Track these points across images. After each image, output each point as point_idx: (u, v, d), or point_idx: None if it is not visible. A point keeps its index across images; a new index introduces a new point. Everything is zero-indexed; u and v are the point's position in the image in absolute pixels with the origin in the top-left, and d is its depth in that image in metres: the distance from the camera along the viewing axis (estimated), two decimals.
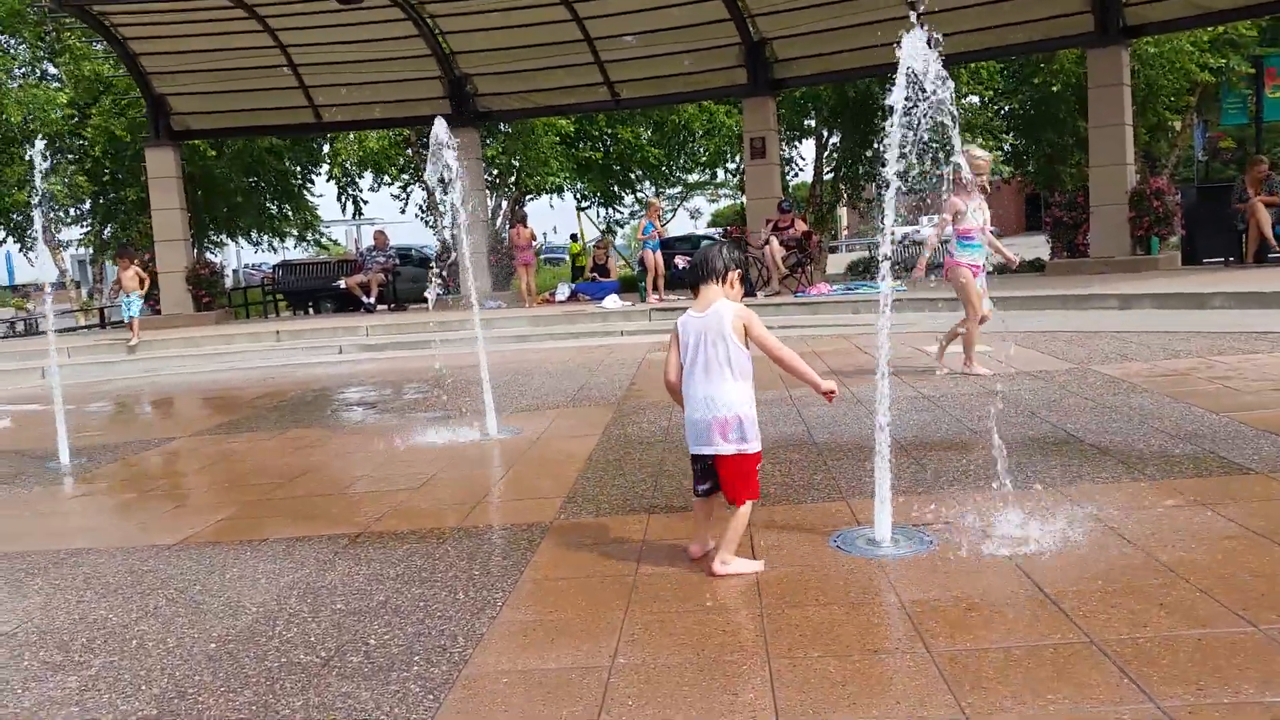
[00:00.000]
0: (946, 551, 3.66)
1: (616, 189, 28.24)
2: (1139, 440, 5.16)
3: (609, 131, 25.70)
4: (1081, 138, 17.53)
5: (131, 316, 14.83)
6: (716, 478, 3.65)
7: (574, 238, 28.60)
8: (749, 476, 3.62)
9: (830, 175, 22.90)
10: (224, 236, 26.02)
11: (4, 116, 20.17)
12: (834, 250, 33.91)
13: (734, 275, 3.72)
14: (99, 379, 12.72)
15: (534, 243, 18.01)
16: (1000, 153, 21.15)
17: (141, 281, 15.03)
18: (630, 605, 3.35)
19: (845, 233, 52.97)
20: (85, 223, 23.89)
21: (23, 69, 22.73)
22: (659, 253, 16.02)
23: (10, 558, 4.52)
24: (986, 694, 2.54)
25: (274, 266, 24.04)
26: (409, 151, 25.41)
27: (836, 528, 4.04)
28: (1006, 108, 22.37)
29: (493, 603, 3.49)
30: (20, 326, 24.16)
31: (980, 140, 19.96)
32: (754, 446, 3.61)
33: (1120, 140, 14.55)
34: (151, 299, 18.72)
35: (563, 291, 17.80)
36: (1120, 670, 2.62)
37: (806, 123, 22.59)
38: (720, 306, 3.62)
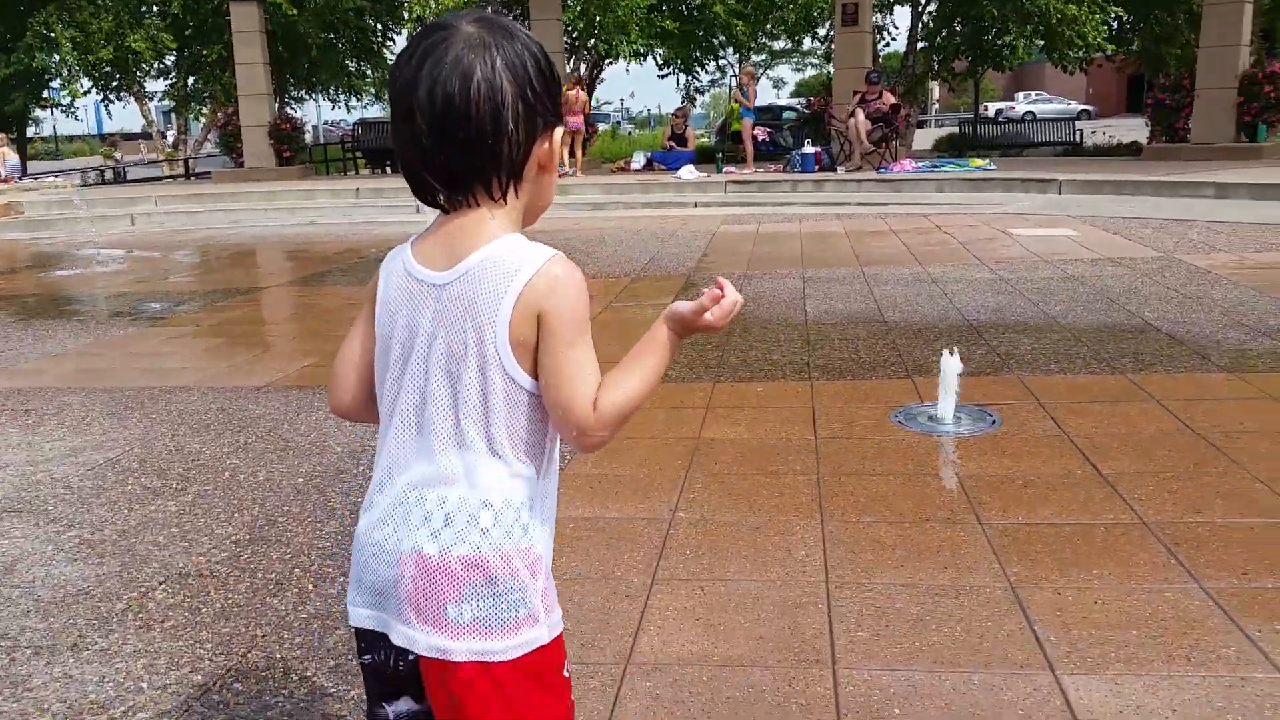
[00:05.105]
0: (1008, 431, 3.69)
1: (699, 54, 27.48)
2: (1217, 332, 5.06)
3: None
4: (1194, 15, 16.50)
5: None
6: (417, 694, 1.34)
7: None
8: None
9: (923, 45, 21.93)
10: (303, 93, 26.09)
11: None
12: (922, 125, 32.80)
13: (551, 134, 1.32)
14: (185, 227, 13.09)
15: (583, 109, 16.92)
16: (1106, 27, 19.98)
17: None
18: (691, 466, 3.48)
19: (935, 106, 50.77)
20: (171, 75, 24.15)
21: None
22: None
23: (111, 392, 4.81)
24: (1033, 565, 2.62)
25: (353, 124, 24.10)
26: (486, 9, 24.97)
27: (900, 403, 4.09)
28: None
29: (559, 456, 3.64)
30: (109, 175, 24.80)
31: (1084, 11, 18.87)
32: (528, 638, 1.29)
33: (1237, 18, 13.69)
34: (234, 151, 19.07)
35: (638, 160, 17.63)
36: (1169, 551, 2.67)
37: None
38: (493, 253, 1.28)
